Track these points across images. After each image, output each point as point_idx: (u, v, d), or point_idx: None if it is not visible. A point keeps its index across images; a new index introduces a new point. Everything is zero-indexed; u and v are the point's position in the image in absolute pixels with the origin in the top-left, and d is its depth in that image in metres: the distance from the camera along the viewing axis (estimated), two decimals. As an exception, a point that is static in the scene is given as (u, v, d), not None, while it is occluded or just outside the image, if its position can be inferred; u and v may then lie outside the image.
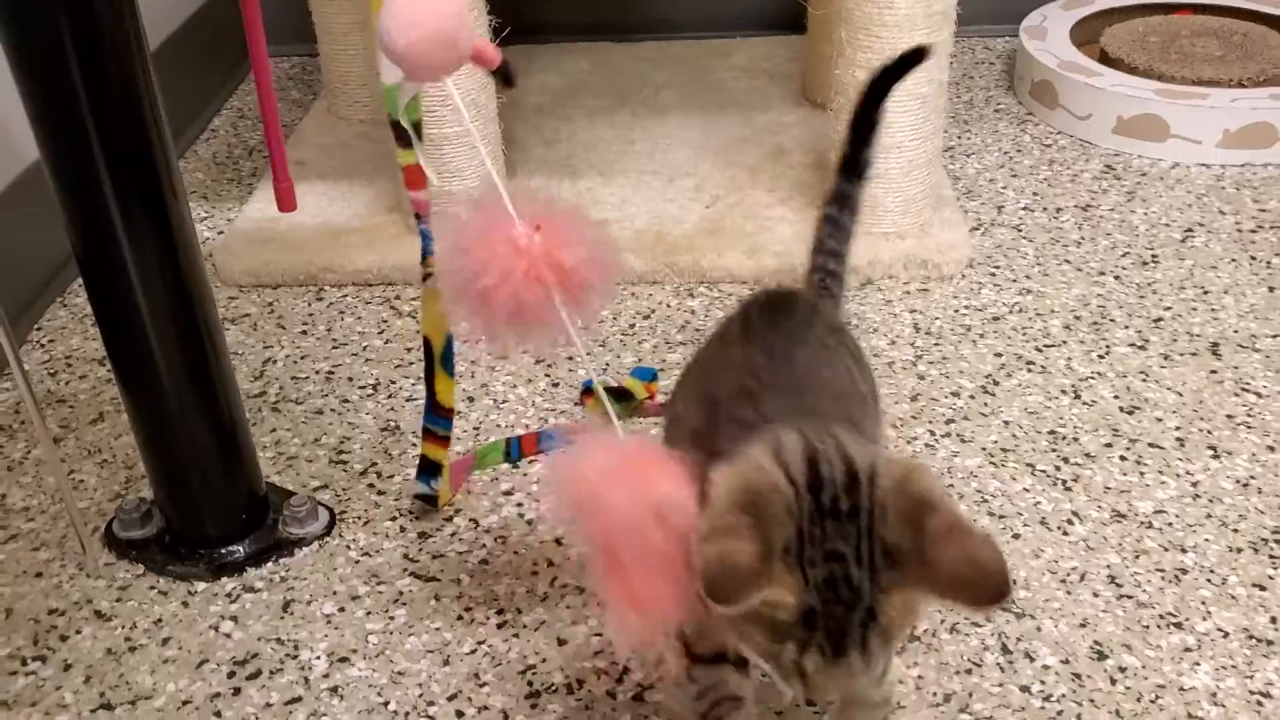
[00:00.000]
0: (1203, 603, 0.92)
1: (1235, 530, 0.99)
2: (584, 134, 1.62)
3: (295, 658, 0.90)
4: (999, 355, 1.21)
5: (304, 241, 1.39)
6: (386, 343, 1.26)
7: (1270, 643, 0.89)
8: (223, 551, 0.98)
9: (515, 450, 1.08)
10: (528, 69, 1.81)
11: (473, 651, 0.90)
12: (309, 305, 1.33)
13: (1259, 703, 0.84)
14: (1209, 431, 1.10)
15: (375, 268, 1.36)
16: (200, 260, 0.91)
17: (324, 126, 1.67)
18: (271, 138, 0.95)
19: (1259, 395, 1.14)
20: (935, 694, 0.86)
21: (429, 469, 1.01)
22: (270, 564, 0.98)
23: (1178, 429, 1.10)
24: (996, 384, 1.17)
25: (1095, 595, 0.93)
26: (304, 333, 1.29)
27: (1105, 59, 1.69)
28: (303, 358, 1.25)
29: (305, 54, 1.89)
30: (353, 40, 1.62)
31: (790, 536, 0.59)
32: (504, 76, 0.83)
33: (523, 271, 0.73)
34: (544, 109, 1.69)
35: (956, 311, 1.29)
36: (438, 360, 0.98)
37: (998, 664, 0.88)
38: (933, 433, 1.11)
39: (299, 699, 0.86)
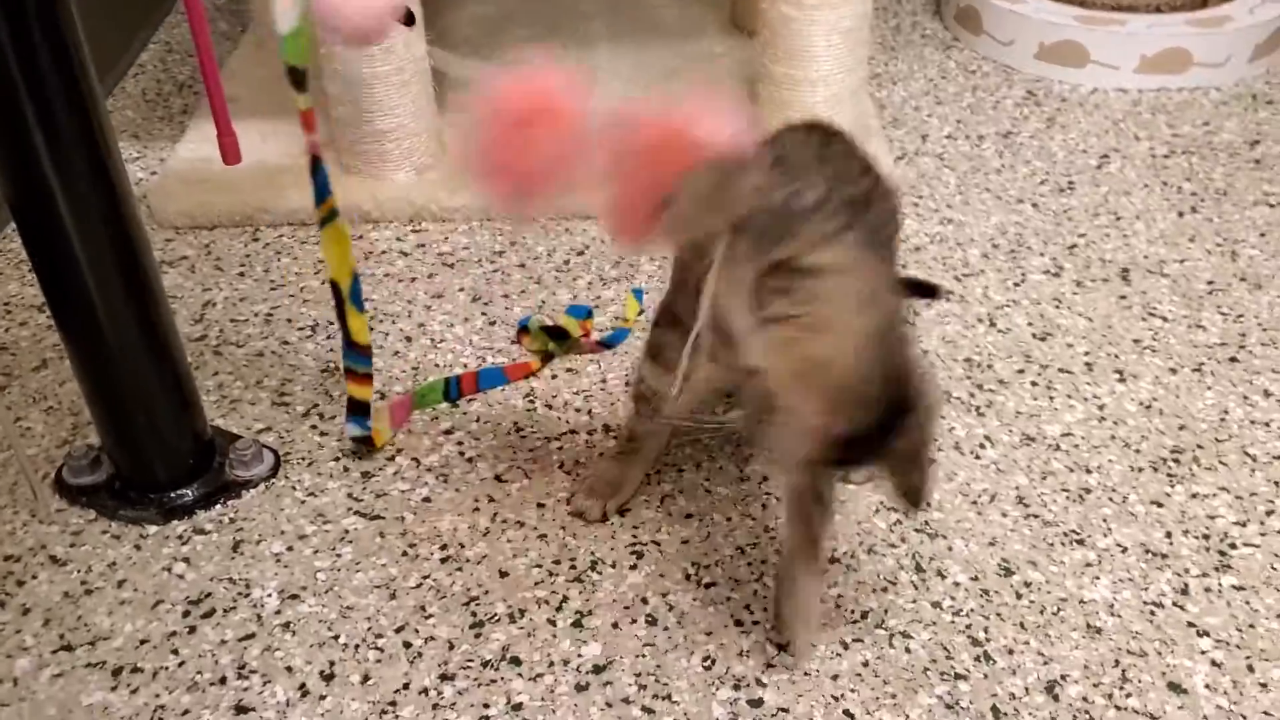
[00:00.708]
0: (1104, 520, 0.99)
1: (1137, 451, 1.05)
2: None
3: (247, 596, 0.94)
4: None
5: (239, 182, 1.39)
6: (324, 282, 1.29)
7: (1164, 556, 0.95)
8: (172, 495, 1.01)
9: (454, 390, 1.12)
10: (456, 1, 1.81)
11: (418, 585, 0.94)
12: (246, 246, 1.34)
13: (1151, 613, 0.91)
14: (1116, 356, 1.16)
15: (310, 207, 1.36)
16: (134, 202, 0.92)
17: (255, 61, 1.66)
18: (212, 91, 0.95)
19: (1165, 319, 1.20)
20: (853, 611, 0.91)
21: (357, 410, 1.04)
22: (219, 506, 1.02)
23: (1087, 354, 1.16)
24: (917, 314, 1.22)
25: (1004, 515, 0.99)
26: (242, 274, 1.30)
27: (1028, -16, 1.71)
28: (241, 300, 1.26)
29: (232, -16, 1.87)
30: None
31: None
32: (406, 18, 0.86)
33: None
34: (473, 41, 1.70)
35: (881, 241, 1.33)
36: (347, 299, 1.00)
37: (911, 582, 0.94)
38: (856, 362, 1.16)
39: (252, 635, 0.91)
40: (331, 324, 1.22)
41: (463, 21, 1.75)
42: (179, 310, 1.24)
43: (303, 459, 1.06)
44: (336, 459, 1.06)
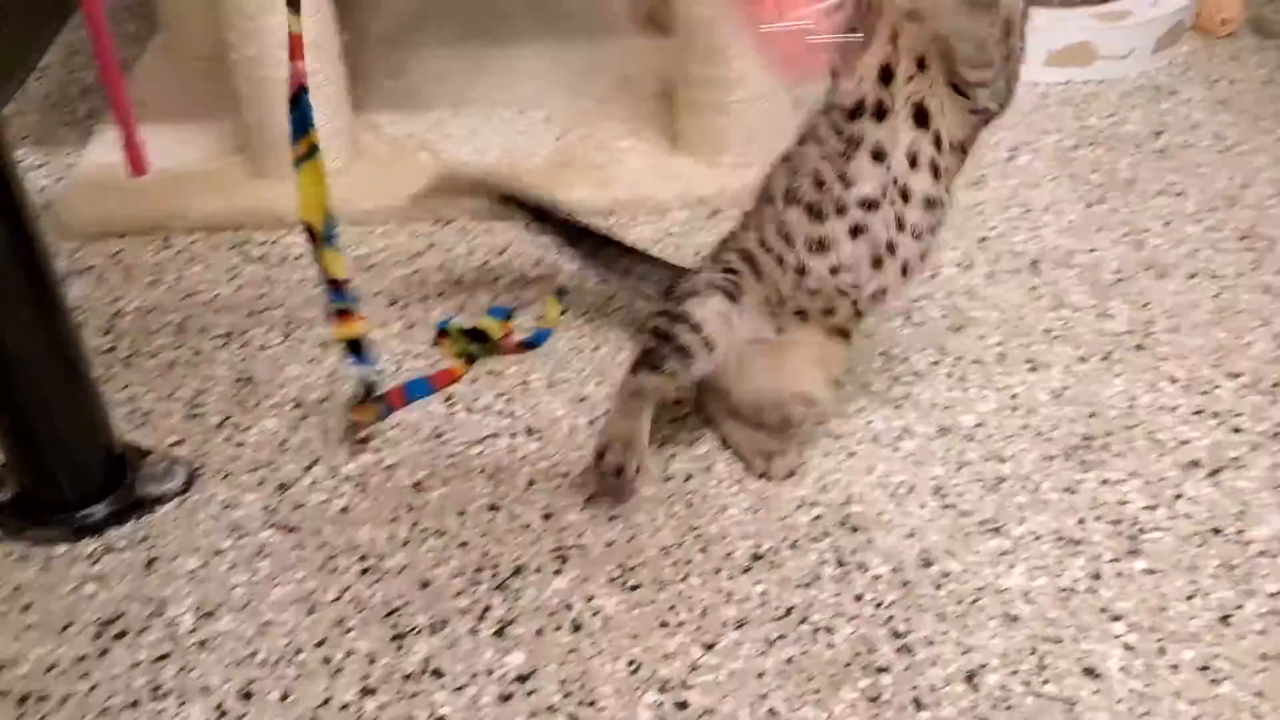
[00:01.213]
0: (1018, 508, 1.01)
1: (1049, 439, 1.07)
2: (432, 64, 1.61)
3: (161, 615, 0.92)
4: (838, 279, 1.27)
5: (148, 188, 1.36)
6: (238, 290, 1.26)
7: (1077, 542, 0.97)
8: (81, 513, 0.99)
9: (385, 411, 1.09)
10: (372, -2, 1.79)
11: (337, 599, 0.93)
12: (156, 254, 1.32)
13: (1066, 599, 0.93)
14: (1027, 346, 1.18)
15: (223, 213, 1.34)
16: (33, 210, 0.90)
17: (164, 64, 1.62)
18: (117, 101, 0.93)
19: (1074, 309, 1.22)
20: (778, 608, 0.92)
21: (356, 349, 1.02)
22: (131, 523, 0.99)
23: (999, 345, 1.18)
24: (836, 308, 1.23)
25: (922, 507, 1.01)
26: (152, 283, 1.27)
27: (939, -21, 1.73)
28: (152, 309, 1.24)
29: (137, -16, 1.83)
30: (185, -24, 1.58)
31: None
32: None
33: None
34: (391, 38, 1.68)
35: (799, 237, 1.34)
36: (321, 239, 0.98)
37: (834, 576, 0.95)
38: (776, 358, 1.17)
39: (167, 655, 0.89)
40: (246, 332, 1.20)
41: (378, 18, 1.73)
42: (87, 321, 1.21)
43: (217, 472, 1.04)
44: (252, 470, 1.04)
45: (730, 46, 1.32)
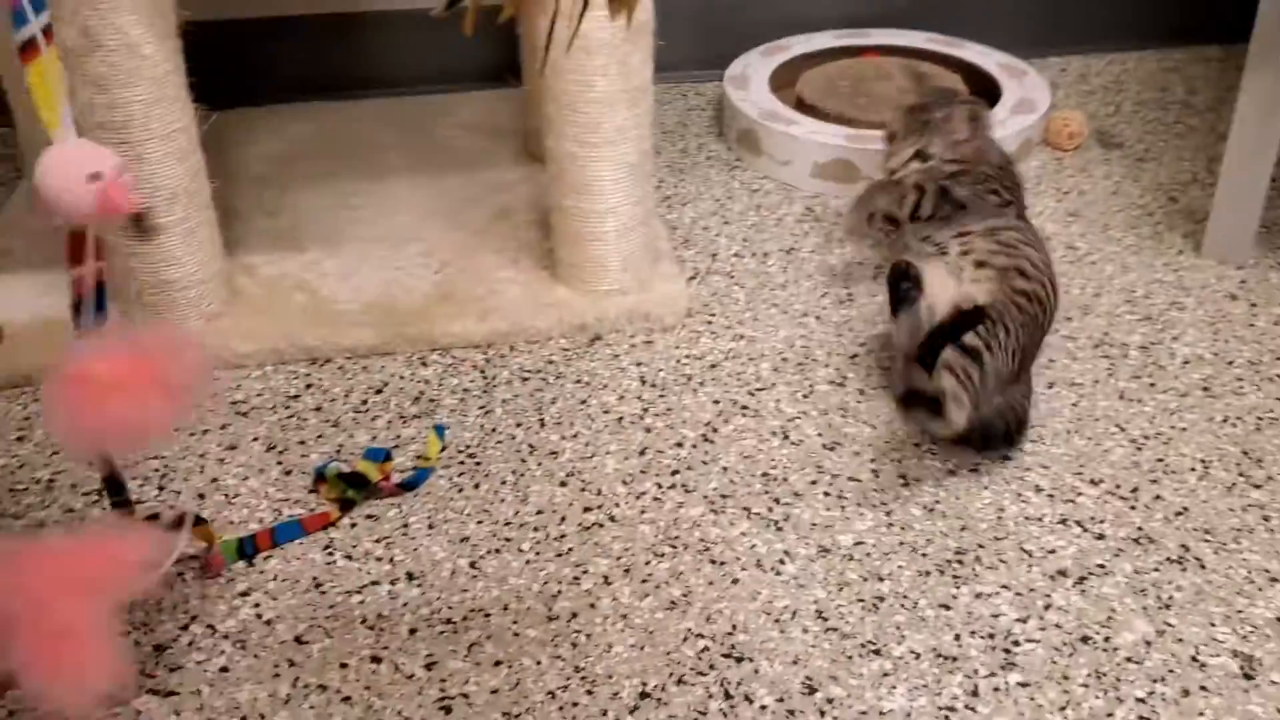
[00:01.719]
0: (898, 627, 1.03)
1: (924, 554, 1.10)
2: (308, 202, 1.63)
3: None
4: (717, 402, 1.30)
5: (14, 340, 1.33)
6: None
7: (954, 659, 1.00)
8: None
9: (249, 547, 1.09)
10: (247, 136, 1.80)
11: (217, 765, 0.91)
12: (25, 409, 1.29)
13: (946, 717, 0.95)
14: (899, 461, 1.21)
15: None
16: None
17: (29, 210, 1.61)
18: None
19: (942, 423, 1.27)
20: (666, 746, 0.92)
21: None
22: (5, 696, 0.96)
23: (873, 461, 1.22)
24: (716, 431, 1.26)
25: (805, 631, 1.02)
26: (20, 439, 1.25)
27: (801, 105, 1.82)
28: (20, 467, 1.21)
29: (3, 126, 1.81)
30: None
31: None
32: (143, 228, 0.88)
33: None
34: (265, 178, 1.68)
35: (678, 361, 1.37)
36: None
37: (721, 710, 0.95)
38: (660, 485, 1.19)
39: (36, 839, 0.85)
40: (119, 486, 1.18)
41: (253, 159, 1.74)
42: (-49, 483, 1.18)
43: (89, 637, 1.01)
44: (127, 633, 1.02)
45: (598, 180, 1.36)
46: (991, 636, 1.02)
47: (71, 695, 0.81)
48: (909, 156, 1.33)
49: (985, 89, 1.85)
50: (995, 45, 1.95)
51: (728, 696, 0.97)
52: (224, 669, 0.99)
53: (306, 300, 1.42)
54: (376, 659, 1.00)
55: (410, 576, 1.08)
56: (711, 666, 0.99)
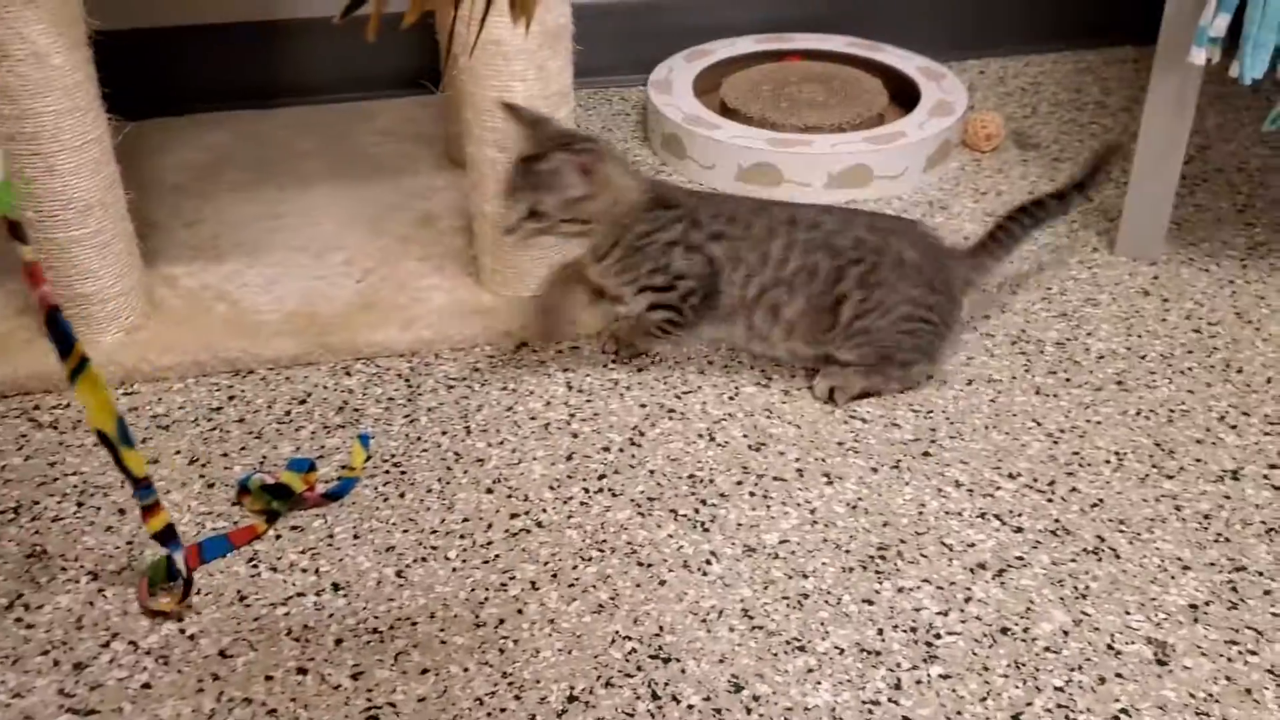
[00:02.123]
0: (822, 623, 1.04)
1: (847, 551, 1.12)
2: (228, 212, 1.61)
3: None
4: (644, 406, 1.31)
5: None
6: (27, 459, 1.22)
7: (878, 653, 1.01)
8: None
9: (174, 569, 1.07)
10: (164, 145, 1.77)
11: (138, 784, 0.89)
12: (-62, 427, 1.26)
13: (870, 711, 0.96)
14: (823, 459, 1.23)
15: (8, 379, 1.30)
16: None
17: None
18: None
19: (864, 421, 1.29)
20: (594, 749, 0.93)
21: (167, 536, 1.02)
22: (-91, 723, 0.94)
23: (797, 460, 1.23)
24: (642, 434, 1.27)
25: (731, 630, 1.03)
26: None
27: (725, 109, 1.83)
28: (-68, 486, 1.18)
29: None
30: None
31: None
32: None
33: None
34: (184, 188, 1.66)
35: (605, 366, 1.37)
36: (118, 444, 0.97)
37: (649, 711, 0.96)
38: (587, 490, 1.19)
39: None
40: (38, 503, 1.16)
41: (170, 169, 1.72)
42: None
43: (6, 656, 0.99)
44: (45, 652, 1.00)
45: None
46: (914, 630, 1.04)
47: None
48: (524, 214, 1.23)
49: (905, 92, 1.88)
50: (915, 49, 1.98)
51: (655, 697, 0.97)
52: (146, 685, 0.97)
53: (228, 311, 1.40)
54: (303, 670, 0.99)
55: (336, 587, 1.07)
56: (639, 668, 1.00)
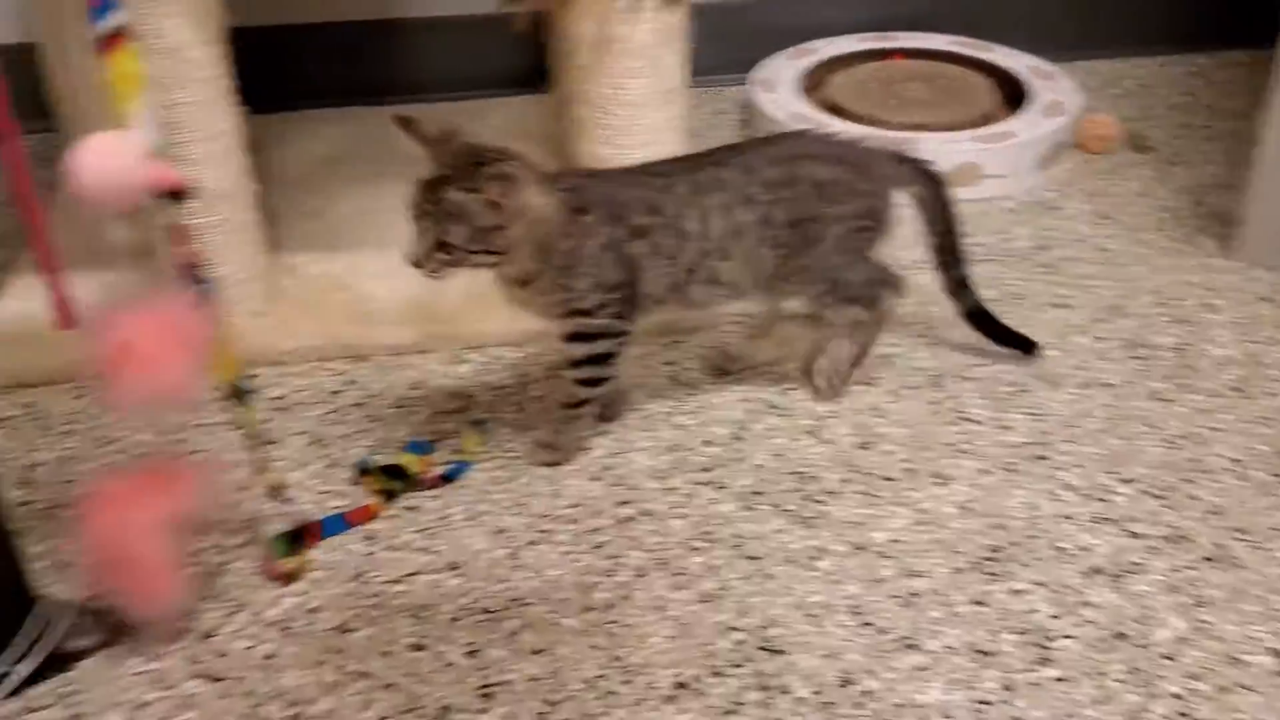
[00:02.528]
0: (933, 623, 1.04)
1: (958, 552, 1.11)
2: (346, 205, 1.65)
3: (82, 777, 0.91)
4: (747, 401, 1.31)
5: (62, 339, 1.36)
6: (155, 437, 1.26)
7: (990, 654, 1.01)
8: (-1, 673, 0.97)
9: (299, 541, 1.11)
10: (284, 137, 1.82)
11: (264, 749, 0.93)
12: (72, 403, 1.31)
13: (982, 710, 0.96)
14: (933, 460, 1.22)
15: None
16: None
17: (73, 213, 1.63)
18: (44, 257, 0.95)
19: (975, 422, 1.28)
20: (703, 736, 0.94)
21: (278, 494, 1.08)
22: (52, 680, 0.98)
23: (906, 460, 1.23)
24: (746, 429, 1.27)
25: (840, 626, 1.04)
26: (68, 433, 1.27)
27: (831, 107, 1.83)
28: (70, 459, 1.23)
29: (45, 129, 1.84)
30: (99, 123, 1.59)
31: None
32: (179, 198, 0.94)
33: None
34: (305, 181, 1.71)
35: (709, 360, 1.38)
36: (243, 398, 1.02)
37: (758, 701, 0.97)
38: (691, 481, 1.20)
39: (89, 819, 0.87)
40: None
41: (291, 162, 1.77)
42: (3, 474, 1.20)
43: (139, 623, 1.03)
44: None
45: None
46: (1027, 632, 1.03)
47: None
48: (430, 246, 1.10)
49: (1015, 92, 1.86)
50: (1022, 48, 1.95)
51: (764, 688, 0.98)
52: (269, 656, 1.01)
53: (346, 300, 1.44)
54: (419, 647, 1.01)
55: (451, 566, 1.09)
56: (748, 659, 1.00)
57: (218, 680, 0.98)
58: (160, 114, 0.92)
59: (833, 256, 1.23)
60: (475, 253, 1.09)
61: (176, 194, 0.94)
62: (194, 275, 0.97)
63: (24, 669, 0.98)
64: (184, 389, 0.94)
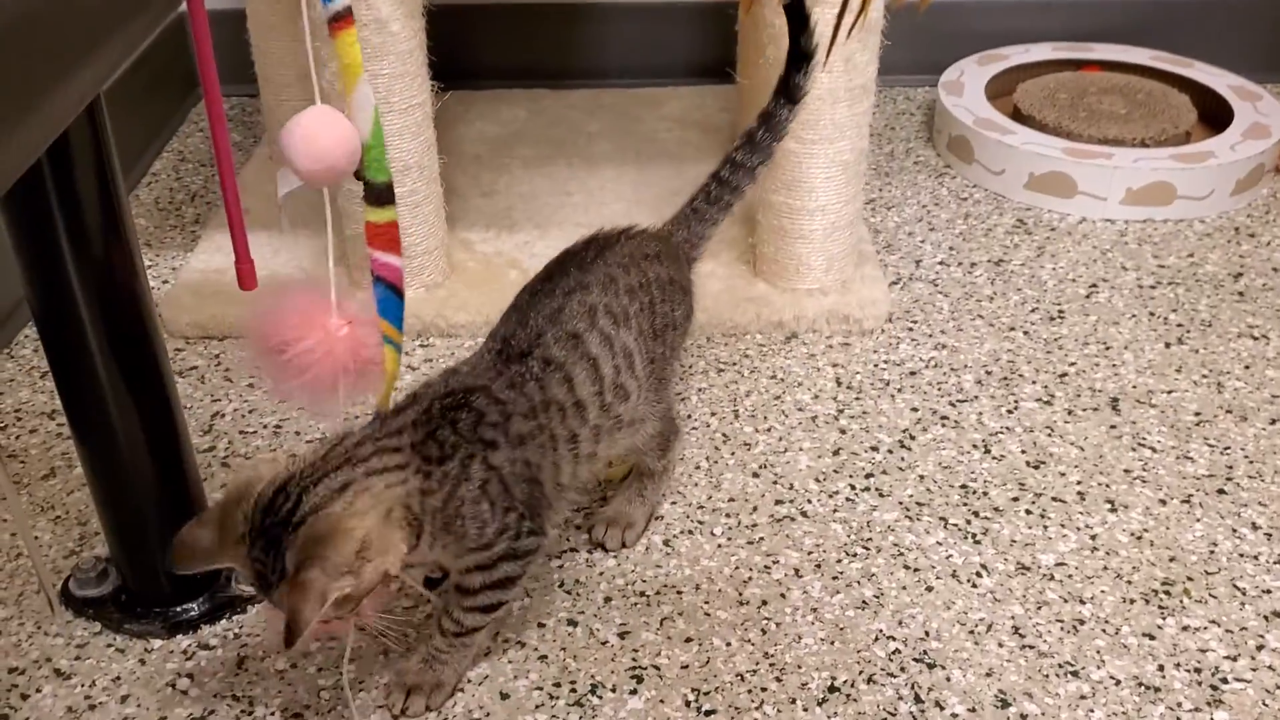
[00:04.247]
0: (1098, 652, 1.00)
1: (1129, 582, 1.07)
2: (521, 185, 1.68)
3: (250, 714, 0.94)
4: (915, 410, 1.29)
5: (250, 293, 1.42)
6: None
7: (1157, 689, 0.97)
8: (177, 609, 1.02)
9: None
10: (465, 116, 1.86)
11: (420, 707, 0.95)
12: (255, 358, 1.37)
13: (1145, 747, 0.92)
14: (1107, 485, 1.18)
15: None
16: (153, 312, 0.95)
17: (267, 173, 1.70)
18: (233, 218, 0.99)
19: (1154, 450, 1.23)
20: (853, 742, 0.92)
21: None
22: (224, 621, 1.02)
23: (1079, 483, 1.18)
24: (913, 438, 1.25)
25: (1000, 645, 1.01)
26: (251, 386, 1.32)
27: (1018, 115, 1.78)
28: (250, 411, 1.28)
29: (245, 94, 1.92)
30: (295, 92, 1.66)
31: (242, 533, 0.81)
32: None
33: (329, 350, 0.90)
34: (482, 159, 1.75)
35: (876, 366, 1.36)
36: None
37: (910, 713, 0.95)
38: (853, 487, 1.18)
39: (254, 756, 0.91)
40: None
41: (469, 139, 1.81)
42: (188, 421, 1.26)
43: (307, 574, 1.07)
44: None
45: (810, 177, 1.36)
46: (1198, 671, 0.98)
47: None
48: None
49: (1215, 111, 1.78)
50: (1226, 66, 1.87)
51: (918, 700, 0.96)
52: (428, 616, 1.03)
53: (519, 277, 1.46)
54: (573, 622, 1.02)
55: (605, 548, 1.10)
56: (902, 668, 0.99)
57: (379, 635, 1.01)
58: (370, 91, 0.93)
59: (669, 373, 1.06)
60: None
61: (381, 197, 0.93)
62: (380, 280, 0.95)
63: (199, 607, 1.02)
64: (337, 386, 0.91)
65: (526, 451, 0.90)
